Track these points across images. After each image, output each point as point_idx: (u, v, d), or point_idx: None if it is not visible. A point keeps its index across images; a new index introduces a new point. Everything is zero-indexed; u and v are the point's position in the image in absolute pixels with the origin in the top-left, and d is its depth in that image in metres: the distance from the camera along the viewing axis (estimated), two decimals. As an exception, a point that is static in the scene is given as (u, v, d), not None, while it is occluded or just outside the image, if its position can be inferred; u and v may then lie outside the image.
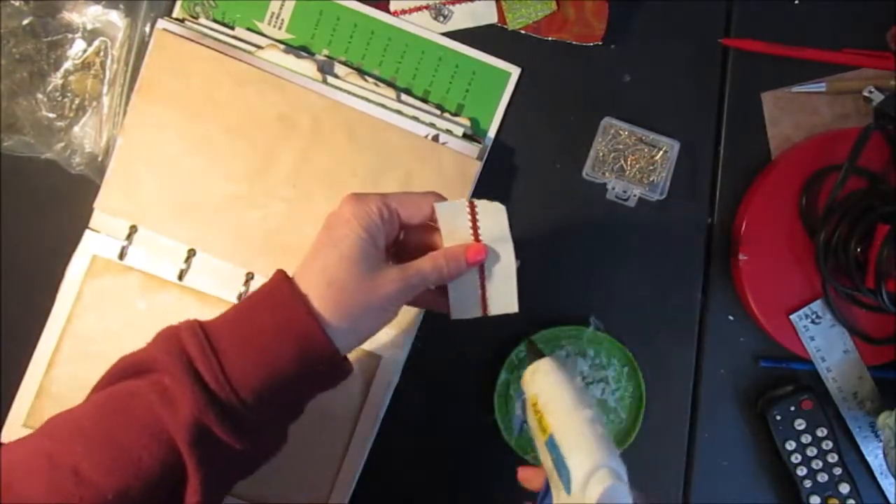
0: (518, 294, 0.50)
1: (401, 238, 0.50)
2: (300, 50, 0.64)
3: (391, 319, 0.47)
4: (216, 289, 0.63)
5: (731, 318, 0.66)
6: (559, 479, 0.42)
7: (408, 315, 0.64)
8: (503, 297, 0.50)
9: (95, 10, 0.62)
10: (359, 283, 0.44)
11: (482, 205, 0.48)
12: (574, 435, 0.42)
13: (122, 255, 0.62)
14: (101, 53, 0.63)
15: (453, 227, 0.48)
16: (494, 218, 0.48)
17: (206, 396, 0.41)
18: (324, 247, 0.46)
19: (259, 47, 0.62)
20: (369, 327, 0.47)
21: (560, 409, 0.43)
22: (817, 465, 0.65)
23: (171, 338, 0.43)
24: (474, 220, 0.48)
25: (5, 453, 0.41)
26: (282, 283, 0.45)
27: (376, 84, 0.63)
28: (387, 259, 0.48)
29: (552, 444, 0.42)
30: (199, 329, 0.43)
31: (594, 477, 0.40)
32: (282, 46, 0.63)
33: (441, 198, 0.49)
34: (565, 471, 0.41)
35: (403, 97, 0.64)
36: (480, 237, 0.49)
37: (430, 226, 0.49)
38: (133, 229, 0.62)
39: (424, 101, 0.65)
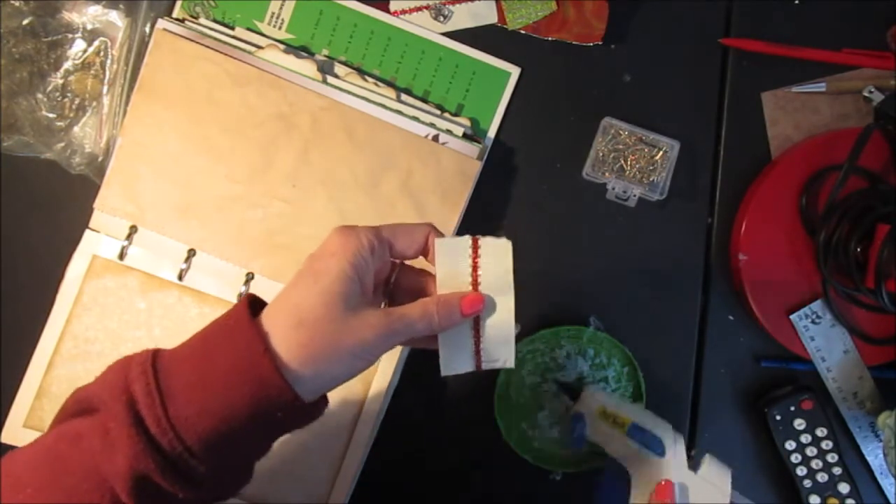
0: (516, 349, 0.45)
1: (393, 280, 0.47)
2: (300, 50, 0.64)
3: (366, 368, 0.43)
4: (216, 289, 0.63)
5: (731, 318, 0.66)
6: (648, 452, 0.54)
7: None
8: (499, 353, 0.45)
9: (95, 10, 0.62)
10: (333, 325, 0.41)
11: (487, 243, 0.44)
12: (647, 417, 0.56)
13: (122, 255, 0.62)
14: (101, 53, 0.63)
15: (451, 269, 0.44)
16: (498, 259, 0.44)
17: (145, 442, 0.38)
18: (303, 279, 0.42)
19: (259, 47, 0.62)
20: (339, 374, 0.42)
21: (625, 406, 0.58)
22: (817, 464, 0.65)
23: (119, 373, 0.40)
24: (475, 262, 0.44)
25: None
26: (243, 317, 0.41)
27: (376, 84, 0.63)
28: (381, 300, 0.46)
29: (637, 428, 0.55)
30: (150, 365, 0.40)
31: (677, 438, 0.55)
32: (282, 46, 0.63)
33: (437, 231, 0.45)
34: (656, 441, 0.54)
35: (403, 97, 0.64)
36: (480, 284, 0.44)
37: (426, 271, 0.46)
38: (133, 229, 0.62)
39: (424, 101, 0.65)
